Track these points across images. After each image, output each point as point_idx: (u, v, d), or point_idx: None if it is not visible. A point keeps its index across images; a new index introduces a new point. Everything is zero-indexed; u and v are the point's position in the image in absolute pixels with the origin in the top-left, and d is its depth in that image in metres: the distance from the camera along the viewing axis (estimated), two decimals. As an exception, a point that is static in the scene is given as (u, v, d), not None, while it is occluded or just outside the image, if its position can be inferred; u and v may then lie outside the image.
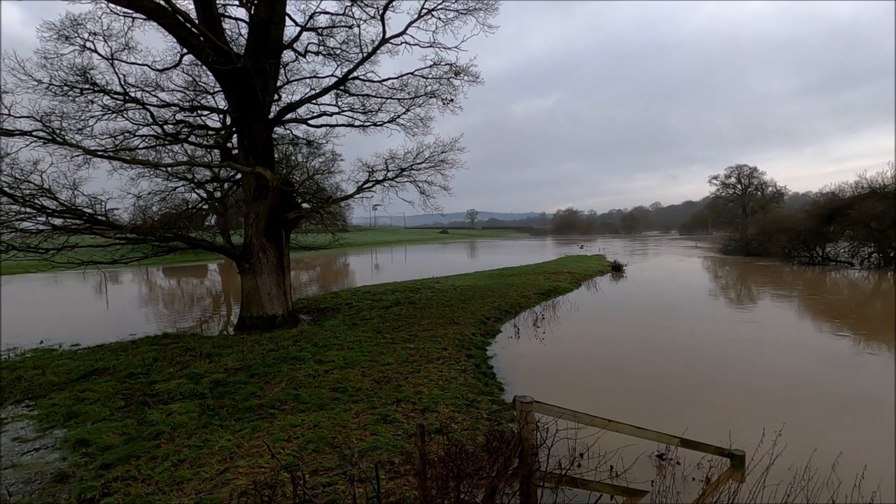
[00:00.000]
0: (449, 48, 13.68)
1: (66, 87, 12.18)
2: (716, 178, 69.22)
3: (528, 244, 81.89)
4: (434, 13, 13.19)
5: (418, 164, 14.86)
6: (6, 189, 10.00)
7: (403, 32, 13.39)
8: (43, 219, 10.75)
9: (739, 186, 67.74)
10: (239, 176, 15.32)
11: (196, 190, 18.43)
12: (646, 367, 9.65)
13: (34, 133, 10.78)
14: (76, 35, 12.15)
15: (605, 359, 10.35)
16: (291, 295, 13.52)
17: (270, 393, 7.48)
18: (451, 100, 14.42)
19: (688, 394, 8.14)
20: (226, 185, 18.77)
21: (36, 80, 11.67)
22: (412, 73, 14.27)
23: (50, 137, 10.95)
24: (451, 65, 13.95)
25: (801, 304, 17.00)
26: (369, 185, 14.42)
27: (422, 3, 12.99)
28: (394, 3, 12.81)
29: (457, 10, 13.17)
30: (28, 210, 10.43)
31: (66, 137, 11.46)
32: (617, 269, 28.38)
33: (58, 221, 11.01)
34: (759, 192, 66.44)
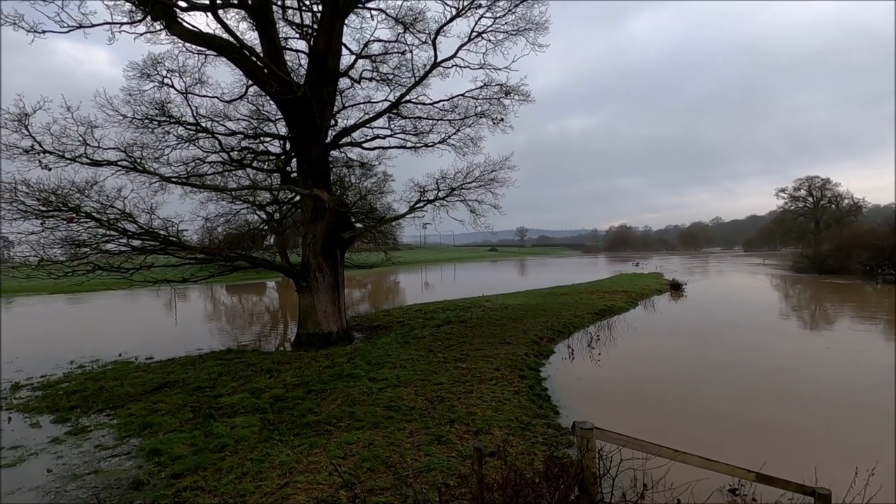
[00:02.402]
0: (499, 69, 13.84)
1: (146, 120, 13.30)
2: (783, 190, 64.71)
3: (579, 262, 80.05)
4: (484, 35, 13.43)
5: (468, 183, 14.95)
6: (94, 214, 10.95)
7: (454, 56, 13.69)
8: (124, 240, 11.66)
9: (811, 199, 63.03)
10: (297, 198, 16.04)
11: (257, 212, 19.46)
12: (712, 392, 9.09)
13: (119, 163, 11.80)
14: (156, 73, 13.29)
15: (666, 382, 9.84)
16: (345, 312, 13.86)
17: (327, 409, 7.64)
18: (502, 119, 14.51)
19: (761, 423, 7.56)
20: (284, 207, 19.70)
21: (121, 114, 12.82)
22: (463, 95, 14.52)
23: (132, 166, 11.95)
24: (501, 85, 14.08)
25: (890, 326, 15.48)
26: (421, 204, 14.65)
27: (472, 26, 13.26)
28: (445, 28, 13.16)
29: (507, 32, 13.35)
30: (112, 233, 11.35)
31: (146, 166, 12.47)
32: (676, 288, 27.10)
33: (136, 243, 11.89)
34: (833, 205, 61.53)
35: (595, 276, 38.43)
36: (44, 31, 10.52)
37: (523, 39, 13.51)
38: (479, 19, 13.17)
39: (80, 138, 11.16)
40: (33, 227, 10.75)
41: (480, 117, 14.74)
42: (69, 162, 11.13)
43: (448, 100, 14.67)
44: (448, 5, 13.08)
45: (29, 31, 10.44)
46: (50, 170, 10.80)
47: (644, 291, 25.62)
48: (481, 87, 14.33)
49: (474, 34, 13.36)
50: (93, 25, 10.88)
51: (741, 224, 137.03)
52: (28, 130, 10.51)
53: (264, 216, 19.99)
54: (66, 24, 10.65)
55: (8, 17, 10.09)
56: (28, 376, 11.12)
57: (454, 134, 15.38)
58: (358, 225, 15.03)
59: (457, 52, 13.67)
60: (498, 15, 13.07)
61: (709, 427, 7.39)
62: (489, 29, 13.35)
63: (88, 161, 11.25)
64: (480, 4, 12.80)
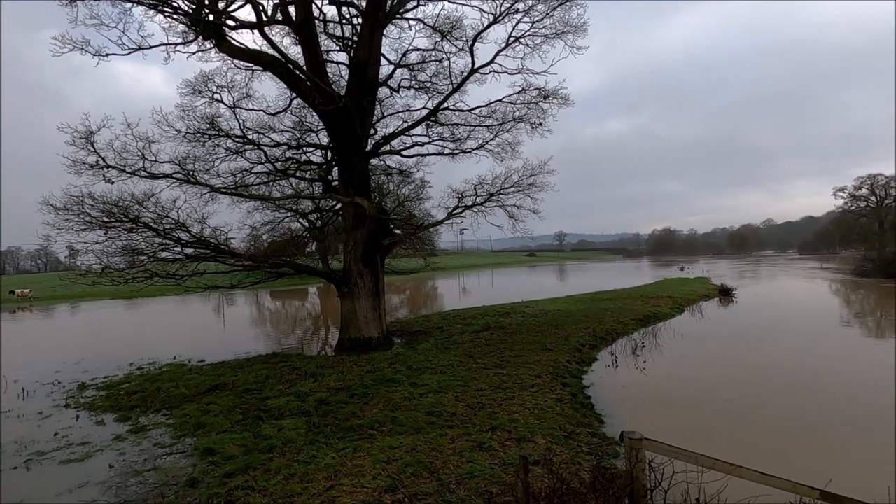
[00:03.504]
0: (537, 73, 13.75)
1: (198, 134, 14.00)
2: (842, 189, 60.58)
3: (621, 266, 77.96)
4: (521, 40, 13.39)
5: (507, 188, 14.89)
6: (151, 224, 11.61)
7: (492, 62, 13.71)
8: (178, 249, 12.29)
9: (874, 198, 58.90)
10: (338, 206, 16.44)
11: (300, 220, 20.08)
12: (770, 403, 8.62)
13: (173, 175, 12.47)
14: (206, 89, 13.99)
15: (717, 392, 9.42)
16: (386, 318, 14.05)
17: (369, 414, 7.75)
18: (540, 123, 14.39)
19: (826, 437, 7.11)
20: (325, 215, 20.23)
21: (176, 129, 13.56)
22: (501, 100, 14.51)
23: (185, 178, 12.60)
24: (539, 89, 13.97)
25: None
26: (459, 210, 14.70)
27: (509, 31, 13.25)
28: (482, 35, 13.21)
29: (544, 35, 13.25)
30: (167, 241, 11.99)
31: (198, 177, 13.12)
32: (725, 294, 25.91)
33: (189, 251, 12.49)
34: (900, 205, 57.24)
35: (638, 281, 37.32)
36: (107, 55, 11.27)
37: (561, 42, 13.40)
38: (517, 24, 13.17)
39: (140, 153, 11.87)
40: (97, 238, 11.52)
41: (518, 122, 14.68)
42: (129, 175, 11.85)
43: (486, 105, 14.70)
44: (485, 12, 13.17)
45: (94, 55, 11.23)
46: (112, 183, 11.54)
47: (691, 297, 24.67)
48: (519, 92, 14.29)
49: (512, 39, 13.35)
50: (151, 47, 11.56)
51: (795, 226, 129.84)
52: (93, 147, 11.28)
53: (306, 224, 20.63)
54: (126, 47, 11.37)
55: (76, 42, 10.88)
56: (93, 377, 11.85)
57: (492, 139, 15.40)
58: (397, 231, 15.22)
59: (494, 57, 13.69)
60: (535, 19, 13.03)
61: (766, 440, 7.01)
62: (527, 33, 13.32)
63: (146, 174, 11.94)
64: (517, 10, 12.80)
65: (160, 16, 11.70)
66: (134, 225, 11.29)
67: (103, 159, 11.41)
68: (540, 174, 14.81)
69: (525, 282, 49.01)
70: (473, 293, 36.97)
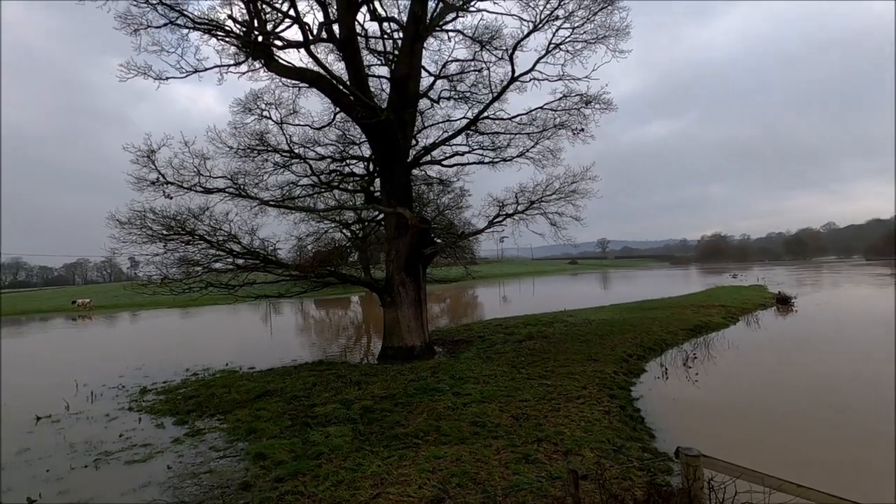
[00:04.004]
0: (578, 79, 13.55)
1: (248, 150, 14.64)
2: (915, 189, 56.34)
3: (668, 274, 75.24)
4: (562, 46, 13.26)
5: (548, 195, 14.70)
6: (206, 237, 12.21)
7: (532, 69, 13.64)
8: (230, 260, 12.85)
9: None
10: (380, 216, 16.73)
11: (343, 230, 20.58)
12: (837, 420, 8.04)
13: (226, 189, 13.08)
14: (256, 107, 14.64)
15: (776, 407, 8.87)
16: (428, 327, 14.12)
17: (413, 423, 7.78)
18: (582, 129, 14.17)
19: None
20: (367, 225, 20.64)
21: (228, 146, 14.25)
22: (541, 108, 14.40)
23: (237, 192, 13.19)
24: (581, 95, 13.78)
25: None
26: (500, 219, 14.63)
27: (549, 38, 13.17)
28: (521, 43, 13.19)
29: (585, 41, 13.08)
30: (220, 253, 12.57)
31: (248, 191, 13.70)
32: (783, 302, 24.45)
33: (240, 261, 13.04)
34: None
35: (687, 290, 35.85)
36: (167, 78, 12.03)
37: (603, 47, 13.18)
38: (557, 31, 13.06)
39: (195, 169, 12.54)
40: (157, 250, 12.23)
41: (560, 129, 14.52)
42: (186, 191, 12.52)
43: (526, 113, 14.63)
44: (525, 20, 13.14)
45: (156, 79, 12.00)
46: (171, 198, 12.23)
47: (745, 306, 23.45)
48: (560, 99, 14.13)
49: (552, 46, 13.24)
50: (206, 69, 12.24)
51: (860, 229, 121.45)
52: (154, 165, 12.01)
53: (349, 234, 21.11)
54: (184, 70, 12.10)
55: (140, 68, 11.67)
56: (153, 382, 12.52)
57: (532, 147, 15.28)
58: (438, 241, 15.31)
59: (534, 65, 13.62)
60: (576, 25, 12.87)
61: (833, 459, 6.53)
62: (567, 40, 13.17)
63: (202, 189, 12.58)
64: (558, 16, 12.69)
65: (214, 39, 12.42)
66: (191, 237, 11.91)
67: (163, 176, 12.12)
68: (582, 181, 14.56)
69: (567, 290, 48.07)
70: (514, 302, 36.61)
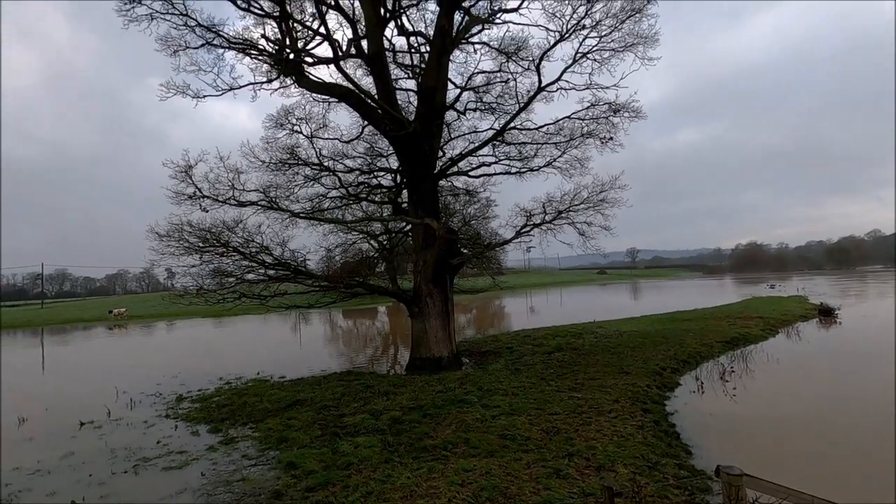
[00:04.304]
0: (606, 87, 13.42)
1: (279, 164, 15.04)
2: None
3: (701, 284, 73.08)
4: (589, 56, 13.19)
5: (576, 205, 14.53)
6: (240, 248, 12.55)
7: (558, 79, 13.58)
8: (262, 271, 13.15)
9: None
10: (407, 227, 16.87)
11: (370, 241, 20.84)
12: (888, 438, 7.59)
13: (258, 202, 13.44)
14: (287, 122, 15.06)
15: (822, 424, 8.46)
16: (455, 338, 14.08)
17: (442, 435, 7.73)
18: (611, 138, 14.01)
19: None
20: (394, 236, 20.84)
21: (260, 160, 14.67)
22: (569, 117, 14.30)
23: (269, 205, 13.53)
24: (609, 104, 13.64)
25: None
26: (527, 229, 14.54)
27: (576, 48, 13.11)
28: (548, 53, 13.17)
29: (613, 49, 12.97)
30: (253, 264, 12.89)
31: (280, 204, 14.04)
32: (826, 314, 23.35)
33: (272, 272, 13.33)
34: None
35: (722, 300, 34.69)
36: (204, 96, 12.52)
37: (631, 54, 13.03)
38: (584, 40, 13.00)
39: (230, 183, 12.93)
40: (193, 261, 12.64)
41: (587, 137, 14.39)
42: (221, 204, 12.92)
43: (553, 123, 14.56)
44: (551, 31, 13.14)
45: (193, 97, 12.50)
46: (207, 211, 12.65)
47: (785, 317, 22.52)
48: (588, 108, 14.02)
49: (579, 55, 13.17)
50: (241, 87, 12.70)
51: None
52: (191, 179, 12.46)
53: (376, 245, 21.36)
54: (220, 88, 12.58)
55: (179, 87, 12.19)
56: (188, 389, 12.86)
57: (559, 156, 15.18)
58: (465, 251, 15.32)
59: (561, 75, 13.56)
60: (603, 34, 12.80)
61: (889, 481, 6.16)
62: (594, 49, 13.10)
63: (236, 202, 12.96)
64: (584, 25, 12.65)
65: (248, 58, 12.88)
66: (225, 249, 12.26)
67: (200, 190, 12.56)
68: (611, 189, 14.35)
69: (596, 301, 47.24)
70: (542, 313, 36.18)
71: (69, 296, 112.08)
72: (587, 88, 13.68)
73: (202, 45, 12.25)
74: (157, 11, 11.52)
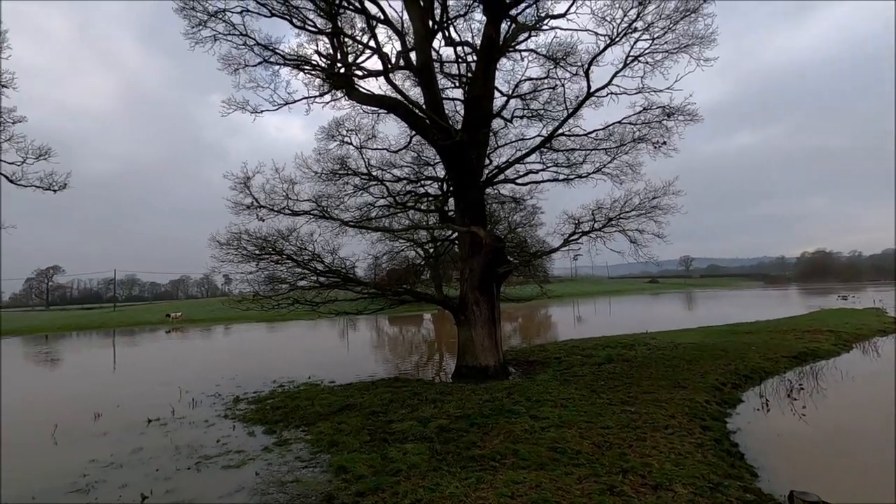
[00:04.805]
0: (659, 91, 12.97)
1: (330, 174, 15.54)
2: None
3: (762, 294, 68.92)
4: (641, 59, 12.82)
5: (627, 212, 14.11)
6: (293, 256, 13.04)
7: (608, 84, 13.25)
8: (314, 278, 13.60)
9: None
10: (452, 235, 16.94)
11: (416, 249, 21.09)
12: None
13: (311, 212, 13.94)
14: (338, 133, 15.56)
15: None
16: (502, 346, 13.95)
17: (490, 445, 7.66)
18: (664, 142, 13.52)
19: None
20: (440, 244, 21.00)
21: (313, 171, 15.22)
22: (620, 122, 13.94)
23: (320, 214, 14.02)
24: (662, 107, 13.19)
25: None
26: (576, 237, 14.25)
27: (627, 51, 12.78)
28: (598, 58, 12.92)
29: (667, 51, 12.55)
30: (305, 271, 13.35)
31: (331, 213, 14.49)
32: (908, 328, 21.42)
33: (323, 279, 13.76)
34: None
35: (787, 312, 32.54)
36: (262, 111, 13.16)
37: (686, 56, 12.56)
38: (635, 43, 12.65)
39: (284, 194, 13.51)
40: (250, 268, 13.24)
41: (639, 142, 13.97)
42: (276, 214, 13.51)
43: (603, 128, 14.24)
44: (601, 35, 12.89)
45: (252, 112, 13.18)
46: (263, 221, 13.27)
47: (860, 332, 20.79)
48: (640, 112, 13.61)
49: (630, 59, 12.83)
50: (295, 101, 13.28)
51: None
52: (249, 191, 13.10)
53: (422, 253, 21.60)
54: (276, 103, 13.19)
55: (239, 103, 12.89)
56: (244, 391, 13.42)
57: (609, 162, 14.82)
58: (512, 259, 15.20)
59: (611, 79, 13.23)
60: (656, 36, 12.41)
61: None
62: (646, 51, 12.72)
63: (290, 212, 13.51)
64: (636, 28, 12.30)
65: (301, 73, 13.44)
66: (280, 257, 12.78)
67: (256, 200, 13.19)
68: (664, 195, 13.85)
69: (648, 311, 45.53)
70: (590, 322, 35.27)
71: (137, 300, 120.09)
72: (639, 92, 13.30)
73: (260, 63, 12.93)
74: (219, 33, 12.28)
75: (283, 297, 13.08)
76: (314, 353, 22.61)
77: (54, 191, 13.68)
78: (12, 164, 12.87)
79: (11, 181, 12.94)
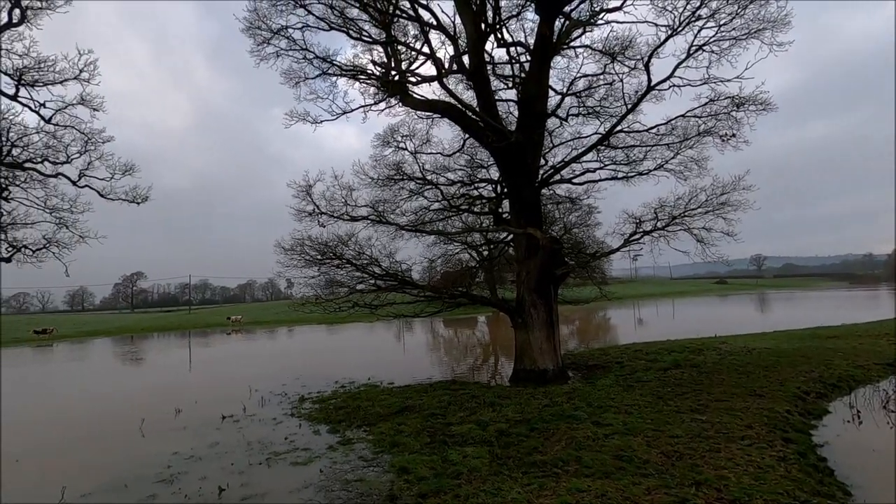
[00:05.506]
0: (727, 80, 12.20)
1: (386, 180, 15.91)
2: None
3: (847, 296, 63.16)
4: (706, 48, 12.13)
5: (692, 209, 13.40)
6: (352, 260, 13.43)
7: (671, 76, 12.63)
8: (372, 281, 13.94)
9: None
10: (505, 237, 16.81)
11: (470, 251, 21.12)
12: None
13: (368, 217, 14.32)
14: (393, 140, 15.92)
15: None
16: (560, 350, 13.66)
17: (551, 450, 7.50)
18: (733, 135, 12.70)
19: None
20: (494, 247, 20.90)
21: (370, 177, 15.66)
22: (683, 115, 13.24)
23: (378, 219, 14.36)
24: (731, 97, 12.40)
25: None
26: (637, 236, 13.71)
27: (690, 41, 12.13)
28: (658, 50, 12.37)
29: (734, 38, 11.80)
30: (364, 275, 13.71)
31: (387, 217, 14.81)
32: None
33: (381, 283, 14.07)
34: None
35: (878, 315, 29.60)
36: (322, 121, 13.70)
37: (756, 42, 11.75)
38: (699, 31, 11.98)
39: (343, 200, 13.96)
40: (312, 273, 13.78)
41: (705, 136, 13.22)
42: (335, 219, 13.99)
43: (665, 123, 13.59)
44: (661, 26, 12.34)
45: (312, 123, 13.75)
46: (324, 227, 13.77)
47: (967, 337, 18.55)
48: (705, 104, 12.86)
49: (693, 49, 12.17)
50: (352, 110, 13.74)
51: None
52: (311, 198, 13.65)
53: (476, 255, 21.60)
54: (335, 113, 13.68)
55: (300, 114, 13.48)
56: (309, 391, 13.95)
57: (672, 158, 14.13)
58: (570, 261, 14.85)
59: (673, 71, 12.59)
60: (723, 22, 11.69)
61: None
62: (712, 39, 12.02)
63: (348, 218, 13.95)
64: (700, 16, 11.66)
65: (357, 83, 13.86)
66: (340, 261, 13.22)
67: (318, 207, 13.71)
68: (733, 191, 13.02)
69: (717, 313, 43.02)
70: (652, 325, 33.79)
71: (209, 303, 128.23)
72: (704, 83, 12.58)
73: (319, 75, 13.48)
74: (282, 49, 12.92)
75: (343, 300, 13.50)
76: (372, 355, 23.16)
77: (138, 203, 14.86)
78: (102, 179, 14.09)
79: (102, 195, 14.20)
